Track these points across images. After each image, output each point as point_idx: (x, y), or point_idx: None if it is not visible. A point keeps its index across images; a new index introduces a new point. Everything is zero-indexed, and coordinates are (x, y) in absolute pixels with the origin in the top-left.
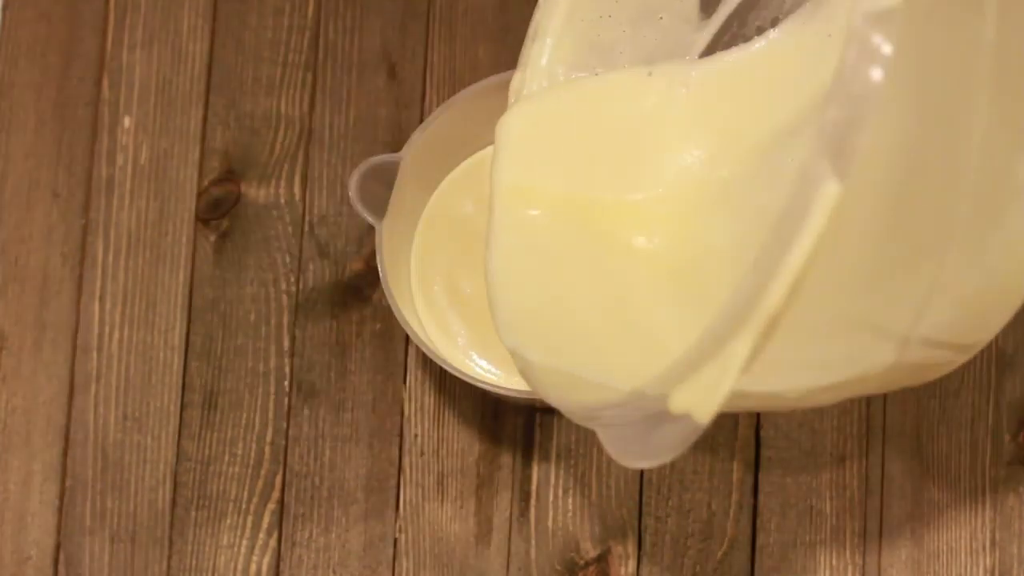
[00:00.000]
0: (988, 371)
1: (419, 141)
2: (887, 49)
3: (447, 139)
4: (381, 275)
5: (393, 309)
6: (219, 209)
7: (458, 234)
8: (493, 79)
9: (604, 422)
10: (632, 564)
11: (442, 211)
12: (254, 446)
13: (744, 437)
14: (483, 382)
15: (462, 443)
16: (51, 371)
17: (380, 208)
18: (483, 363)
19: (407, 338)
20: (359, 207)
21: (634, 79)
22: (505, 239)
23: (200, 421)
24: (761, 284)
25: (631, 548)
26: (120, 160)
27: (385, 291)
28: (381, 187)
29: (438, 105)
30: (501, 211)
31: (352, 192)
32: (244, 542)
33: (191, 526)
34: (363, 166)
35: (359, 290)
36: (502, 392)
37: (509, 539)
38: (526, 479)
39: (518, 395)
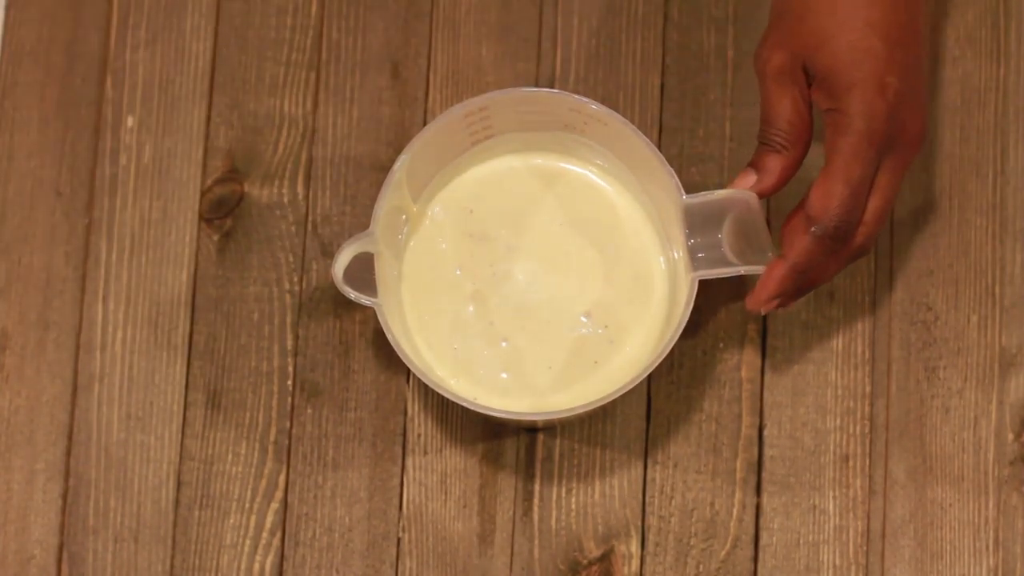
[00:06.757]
0: (991, 371)
1: (383, 212)
2: None
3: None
4: (396, 348)
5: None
6: (222, 208)
7: (440, 285)
8: (441, 119)
9: None
10: (635, 563)
11: (415, 270)
12: (257, 445)
13: (747, 436)
14: (490, 408)
15: (465, 442)
16: (54, 370)
17: (369, 286)
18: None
19: None
20: (352, 295)
21: None
22: None
23: (203, 420)
24: None
25: (634, 547)
26: (123, 159)
27: (402, 356)
28: (363, 263)
29: (441, 105)
30: None
31: (340, 284)
32: (247, 541)
33: (194, 525)
34: (341, 258)
35: None
36: (505, 417)
37: (512, 538)
38: (529, 478)
39: (519, 418)
